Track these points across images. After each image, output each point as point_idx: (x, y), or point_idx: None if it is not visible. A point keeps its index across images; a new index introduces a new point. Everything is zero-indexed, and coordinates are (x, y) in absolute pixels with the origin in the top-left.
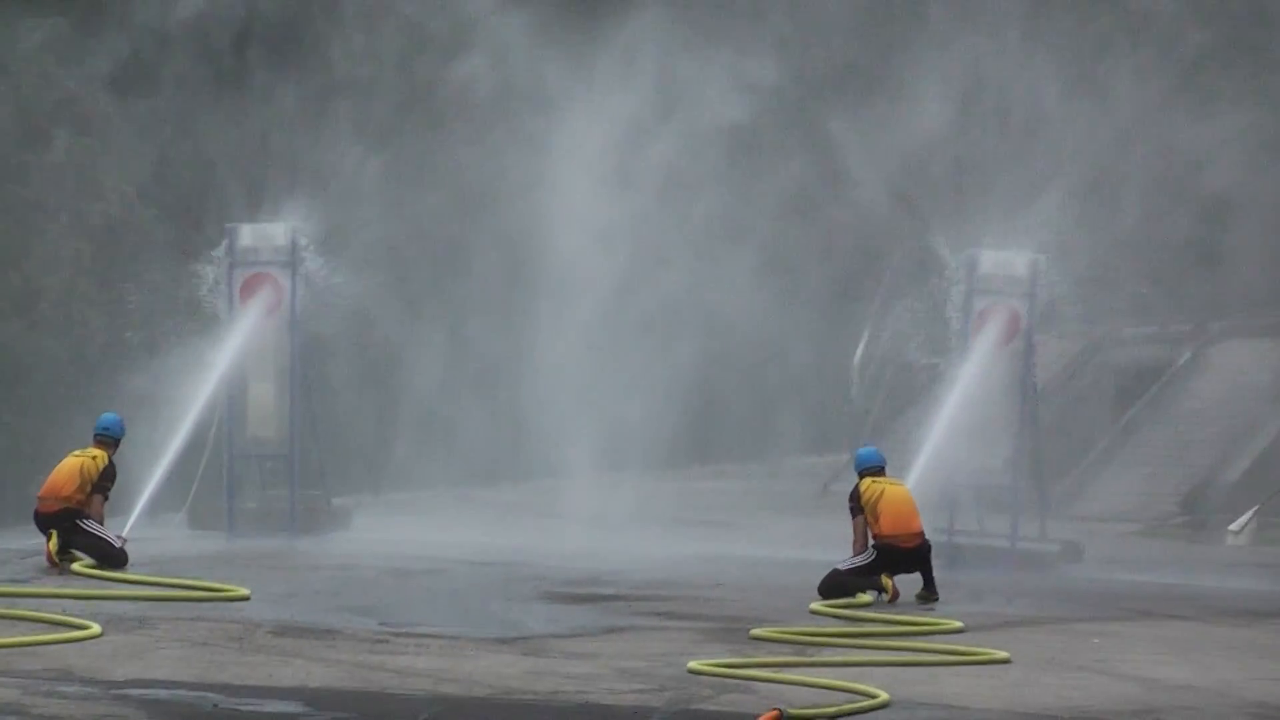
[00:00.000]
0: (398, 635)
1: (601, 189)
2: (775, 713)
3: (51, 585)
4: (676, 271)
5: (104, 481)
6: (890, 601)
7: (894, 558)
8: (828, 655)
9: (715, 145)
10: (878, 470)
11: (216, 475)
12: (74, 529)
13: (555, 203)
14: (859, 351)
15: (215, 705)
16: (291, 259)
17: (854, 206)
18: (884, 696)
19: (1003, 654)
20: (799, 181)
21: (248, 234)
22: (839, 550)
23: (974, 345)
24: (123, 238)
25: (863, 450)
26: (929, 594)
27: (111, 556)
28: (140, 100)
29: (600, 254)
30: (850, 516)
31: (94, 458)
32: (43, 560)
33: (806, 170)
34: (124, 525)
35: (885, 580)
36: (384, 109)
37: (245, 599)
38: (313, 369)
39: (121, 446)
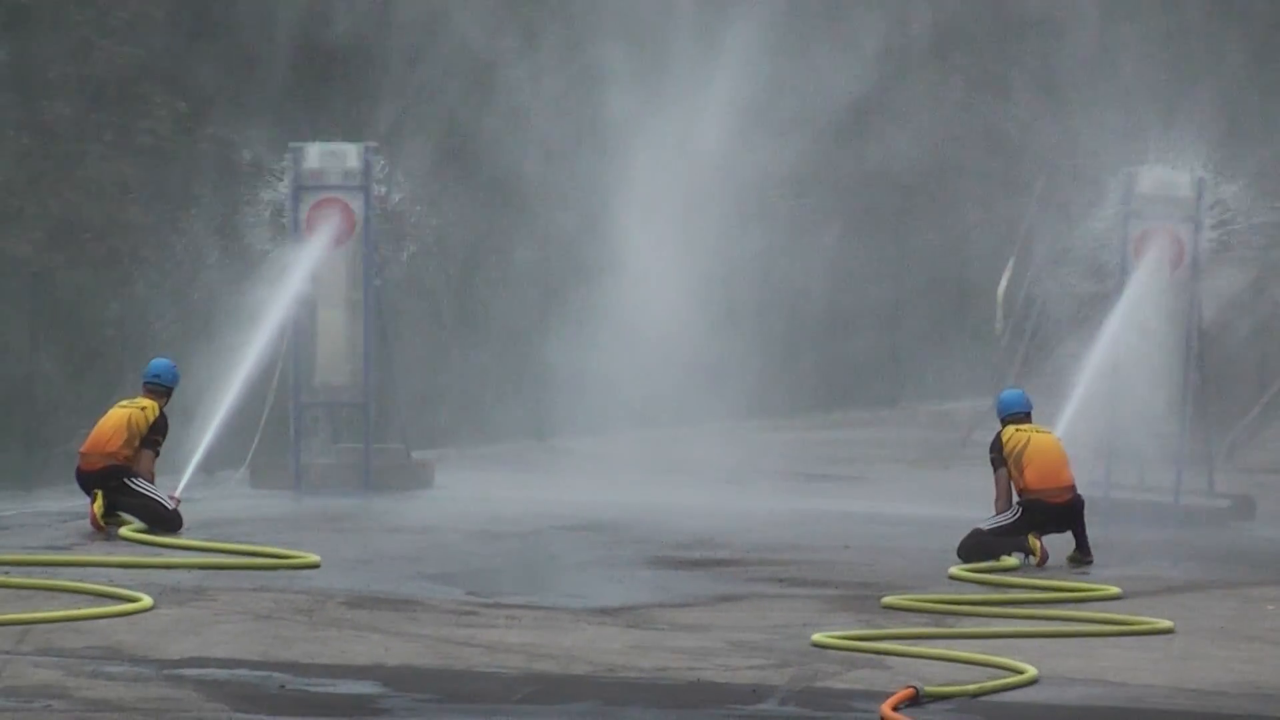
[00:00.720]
0: (486, 606)
1: (714, 111)
2: (911, 691)
3: (97, 553)
4: (794, 201)
5: (154, 435)
6: (1038, 565)
7: (1042, 515)
8: (968, 626)
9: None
10: (1023, 417)
11: (281, 427)
12: (121, 489)
13: (660, 128)
14: (1003, 282)
15: (282, 686)
16: (364, 182)
17: (996, 121)
18: (1032, 672)
19: (1166, 623)
20: (936, 94)
21: (314, 155)
22: (981, 508)
23: (1132, 275)
24: (172, 160)
25: (1006, 394)
26: (1082, 556)
27: (164, 519)
28: (188, 6)
29: (711, 180)
30: (992, 469)
31: (143, 409)
32: (86, 524)
33: (945, 82)
34: (177, 485)
35: (1032, 541)
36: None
37: (315, 566)
38: (388, 308)
39: (175, 396)
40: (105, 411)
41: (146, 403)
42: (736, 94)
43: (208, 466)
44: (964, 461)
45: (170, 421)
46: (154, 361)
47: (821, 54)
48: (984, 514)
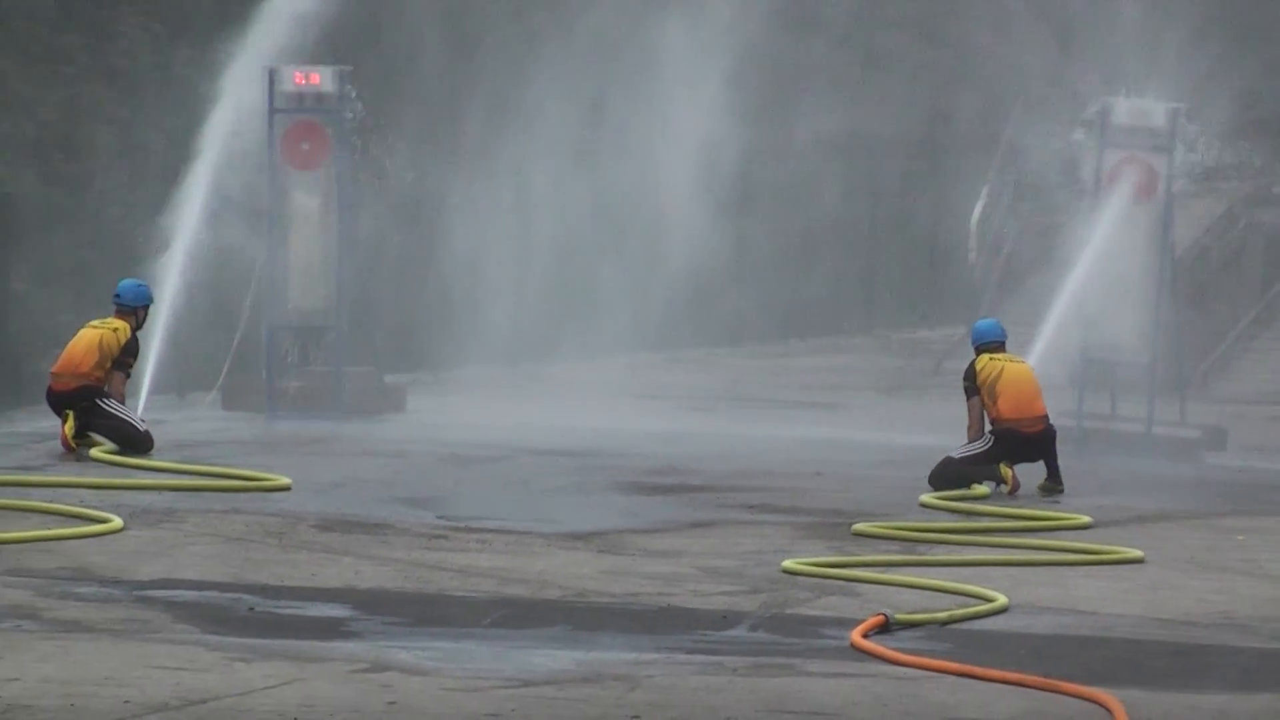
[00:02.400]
0: (458, 530)
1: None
2: (881, 618)
3: (68, 473)
4: (765, 129)
5: (125, 356)
6: (1010, 493)
7: (1014, 444)
8: (939, 553)
9: None
10: (997, 346)
11: (254, 349)
12: (92, 409)
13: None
14: (977, 211)
15: (251, 608)
16: (339, 107)
17: (969, 50)
18: (1002, 600)
19: (1136, 553)
20: (906, 18)
21: (289, 76)
22: (953, 435)
23: (1106, 204)
24: (147, 84)
25: (980, 323)
26: (1053, 485)
27: (135, 440)
28: None
29: (681, 108)
30: (965, 398)
31: (115, 330)
32: (57, 445)
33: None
34: (136, 406)
35: (1004, 469)
36: None
37: (286, 489)
38: (362, 231)
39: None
40: (77, 332)
41: (118, 324)
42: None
43: (180, 389)
44: (937, 390)
45: (141, 343)
46: (122, 282)
47: None
48: (956, 442)
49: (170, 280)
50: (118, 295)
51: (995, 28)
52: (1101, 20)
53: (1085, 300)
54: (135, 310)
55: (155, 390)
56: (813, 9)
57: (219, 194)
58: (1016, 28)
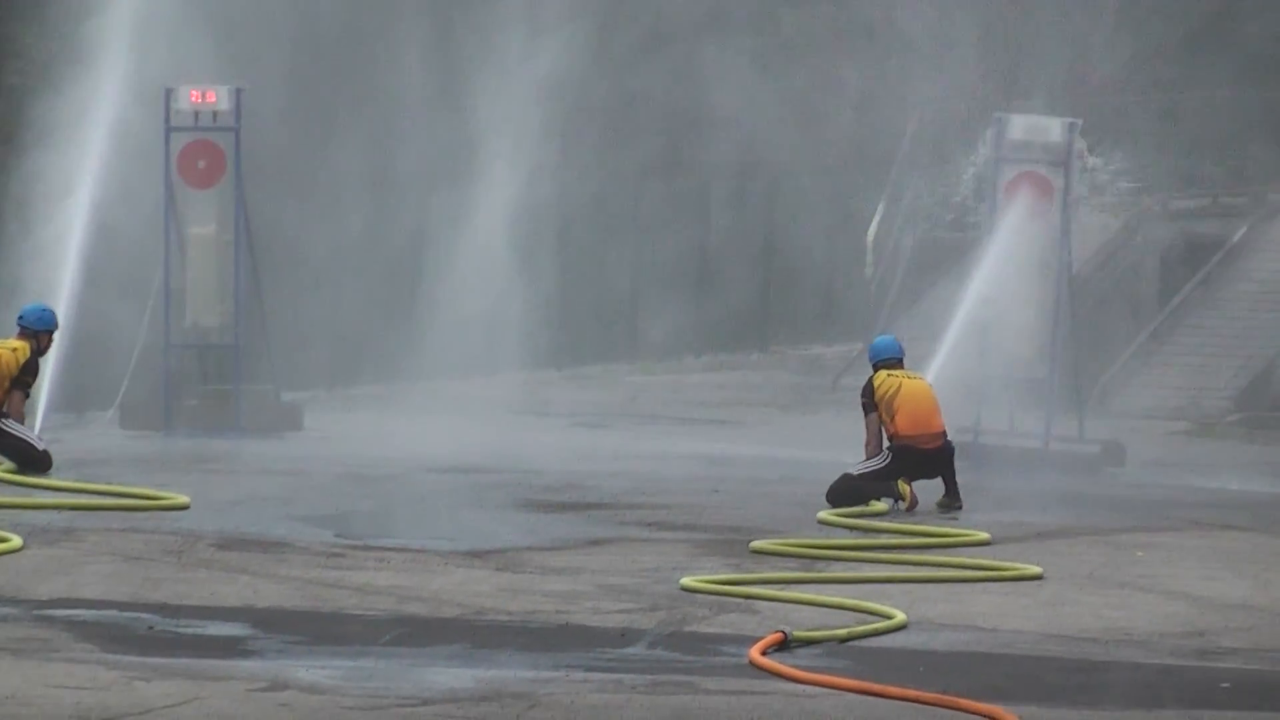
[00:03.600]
0: (356, 548)
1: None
2: (779, 635)
3: None
4: (661, 137)
5: (25, 376)
6: (908, 510)
7: (912, 460)
8: (838, 570)
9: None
10: (895, 362)
11: (152, 368)
12: None
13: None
14: (873, 226)
15: (151, 627)
16: (234, 124)
17: (868, 65)
18: (901, 617)
19: (1035, 569)
20: (805, 36)
21: (184, 95)
22: (851, 452)
23: (1002, 219)
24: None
25: (878, 339)
26: (951, 501)
27: (34, 460)
28: None
29: (577, 126)
30: (863, 414)
31: (14, 349)
32: None
33: (813, 23)
34: (34, 425)
35: (902, 486)
36: None
37: (184, 508)
38: (260, 246)
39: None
40: None
41: (17, 344)
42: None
43: (78, 407)
44: (834, 406)
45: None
46: (26, 306)
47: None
48: (854, 458)
49: (65, 297)
50: (21, 317)
51: (892, 43)
52: (998, 36)
53: (983, 316)
54: (38, 334)
55: (53, 408)
56: (716, 17)
57: (109, 214)
58: (914, 43)
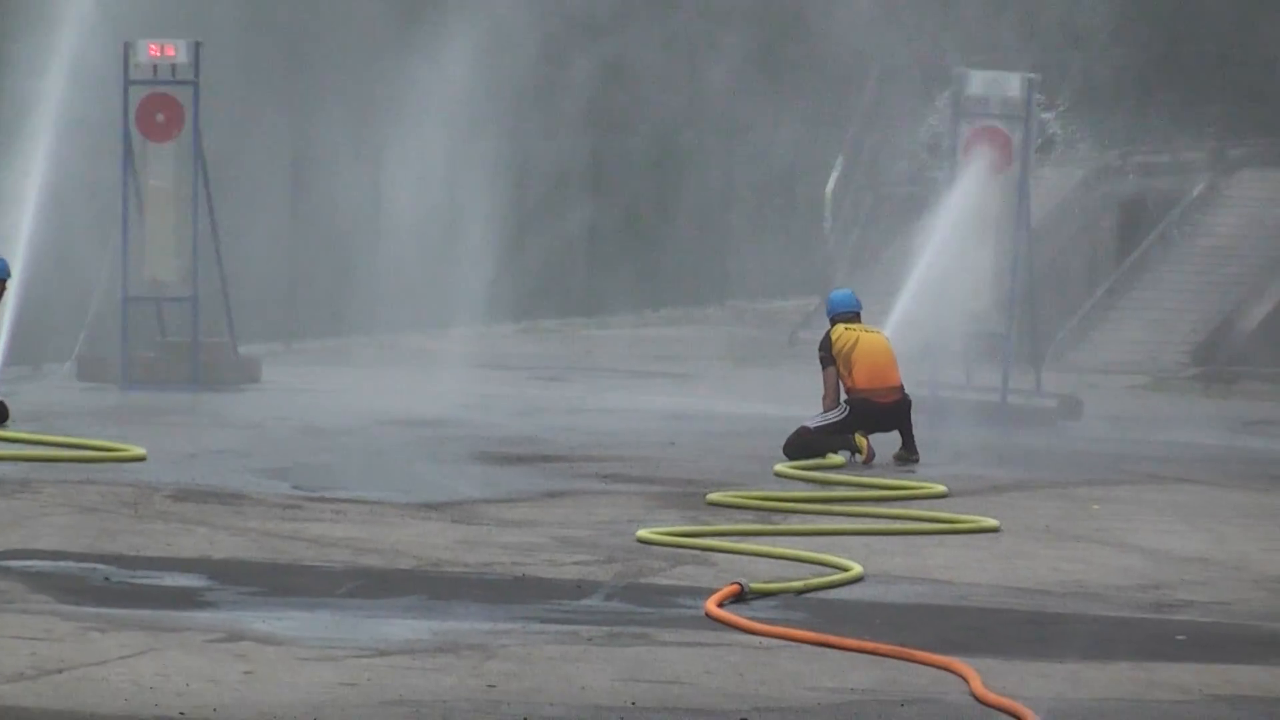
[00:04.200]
0: (312, 500)
1: None
2: (735, 587)
3: None
4: (623, 88)
5: None
6: (865, 463)
7: (869, 414)
8: (794, 523)
9: None
10: (852, 316)
11: (109, 320)
12: None
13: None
14: (832, 180)
15: (107, 579)
16: (194, 77)
17: (829, 17)
18: (857, 569)
19: (991, 522)
20: None
21: (142, 49)
22: (808, 406)
23: (961, 175)
24: None
25: (835, 293)
26: (908, 454)
27: None
28: None
29: (534, 81)
30: (820, 368)
31: None
32: None
33: None
34: None
35: (859, 439)
36: None
37: (141, 459)
38: (218, 201)
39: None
40: None
41: None
42: None
43: (33, 359)
44: (791, 360)
45: None
46: None
47: None
48: (811, 412)
49: (21, 250)
50: None
51: None
52: None
53: (941, 270)
54: None
55: (9, 360)
56: None
57: (64, 166)
58: None
